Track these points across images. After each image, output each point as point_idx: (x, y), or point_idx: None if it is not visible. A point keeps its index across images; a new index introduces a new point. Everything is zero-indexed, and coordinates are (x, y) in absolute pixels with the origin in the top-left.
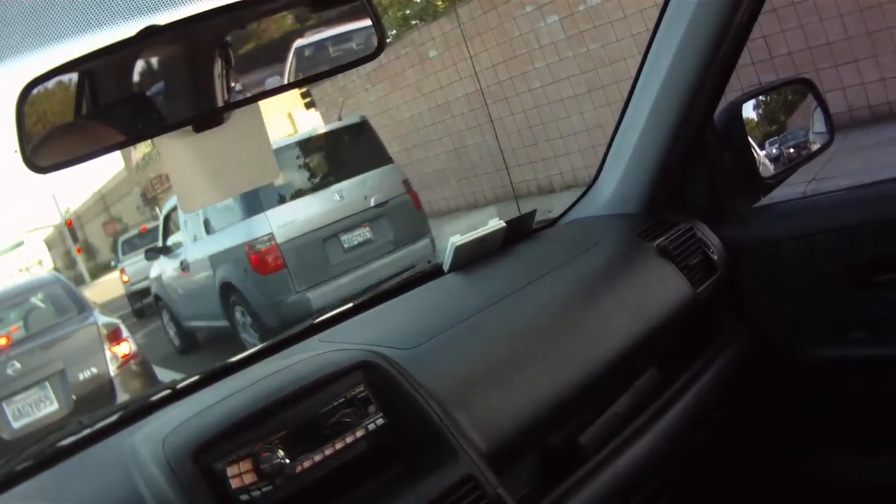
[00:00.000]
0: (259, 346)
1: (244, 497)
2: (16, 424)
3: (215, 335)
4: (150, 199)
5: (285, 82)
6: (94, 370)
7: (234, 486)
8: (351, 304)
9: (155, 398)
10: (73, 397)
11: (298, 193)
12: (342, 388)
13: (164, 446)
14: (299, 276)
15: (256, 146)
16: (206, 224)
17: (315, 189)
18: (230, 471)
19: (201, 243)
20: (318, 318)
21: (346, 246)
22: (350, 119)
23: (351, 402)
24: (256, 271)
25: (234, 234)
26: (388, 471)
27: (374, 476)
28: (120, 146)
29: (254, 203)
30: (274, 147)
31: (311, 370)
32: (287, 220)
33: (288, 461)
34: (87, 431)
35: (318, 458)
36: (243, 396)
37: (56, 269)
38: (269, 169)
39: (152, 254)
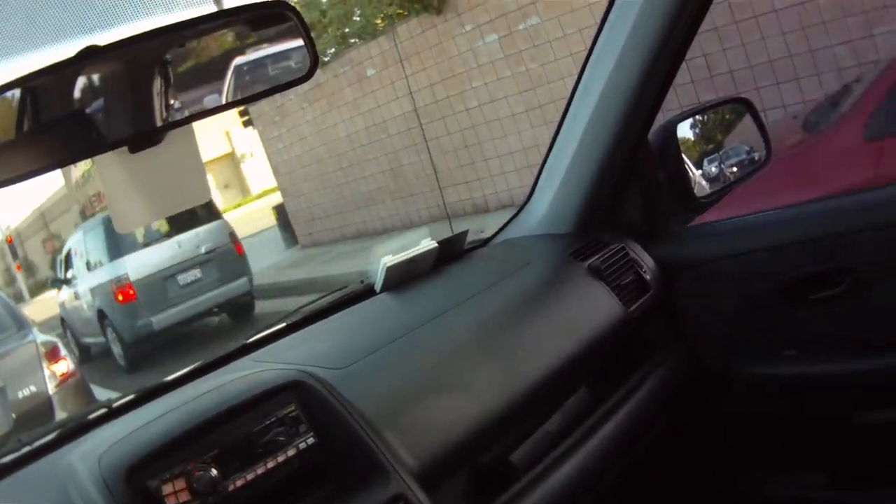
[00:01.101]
0: (193, 366)
1: None
2: None
3: (101, 349)
4: (90, 217)
5: (221, 103)
6: (33, 388)
7: None
8: (283, 324)
9: (92, 416)
10: (13, 415)
11: (149, 243)
12: (273, 408)
13: (99, 464)
14: (146, 306)
15: (189, 167)
16: (88, 263)
17: (161, 240)
18: (164, 489)
19: (85, 278)
20: (251, 337)
21: (181, 283)
22: None
23: (282, 422)
24: (117, 301)
25: (105, 272)
26: (320, 490)
27: (306, 495)
28: (58, 165)
29: (117, 249)
30: None
31: (242, 389)
32: (139, 264)
33: (221, 479)
34: (25, 449)
35: (250, 476)
36: (176, 415)
37: None
38: (202, 190)
39: (57, 283)
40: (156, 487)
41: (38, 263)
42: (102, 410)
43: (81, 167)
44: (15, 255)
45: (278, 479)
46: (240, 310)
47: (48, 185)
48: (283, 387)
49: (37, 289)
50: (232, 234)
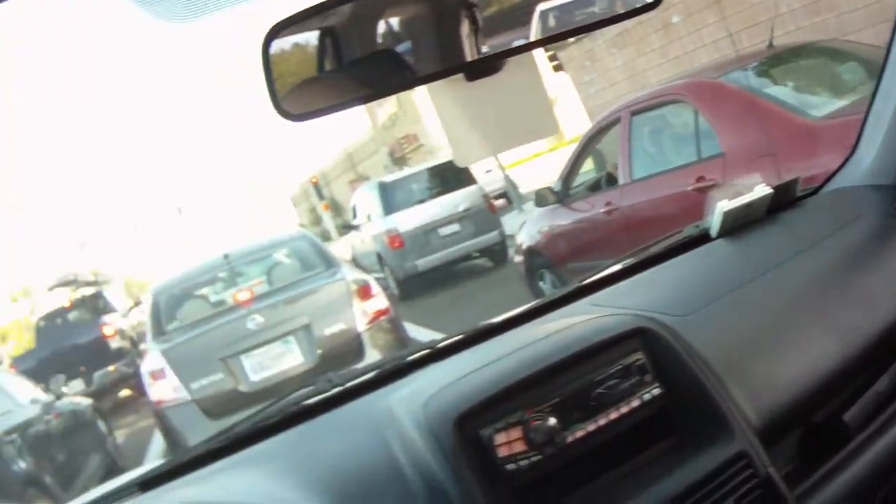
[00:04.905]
0: (523, 308)
1: (510, 466)
2: (255, 377)
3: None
4: (399, 159)
5: (560, 32)
6: (342, 326)
7: (501, 455)
8: (619, 267)
9: (412, 358)
10: (319, 352)
11: (419, 202)
12: (618, 355)
13: (425, 410)
14: (412, 252)
15: (533, 98)
16: (368, 216)
17: (426, 200)
18: (497, 439)
19: (367, 227)
20: (584, 279)
21: (441, 235)
22: (445, 158)
23: (627, 370)
24: (391, 248)
25: (381, 224)
26: (661, 443)
27: (647, 447)
28: (369, 99)
29: (388, 207)
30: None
31: (585, 335)
32: (407, 219)
33: (559, 430)
34: (336, 390)
35: (591, 427)
36: (512, 361)
37: (302, 224)
38: (548, 123)
39: (346, 230)
40: (488, 437)
41: (344, 204)
42: (425, 352)
43: (387, 110)
44: (321, 195)
45: (619, 431)
46: (495, 255)
47: (352, 129)
48: (628, 333)
49: (344, 229)
50: (485, 196)
